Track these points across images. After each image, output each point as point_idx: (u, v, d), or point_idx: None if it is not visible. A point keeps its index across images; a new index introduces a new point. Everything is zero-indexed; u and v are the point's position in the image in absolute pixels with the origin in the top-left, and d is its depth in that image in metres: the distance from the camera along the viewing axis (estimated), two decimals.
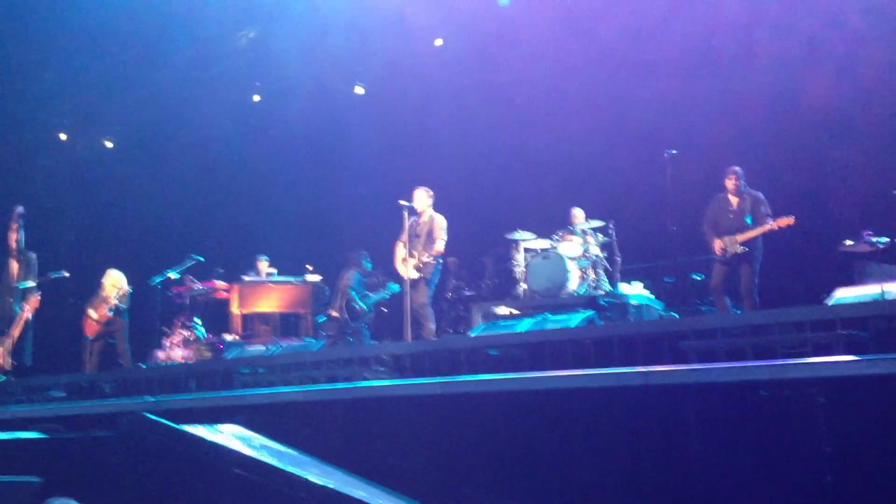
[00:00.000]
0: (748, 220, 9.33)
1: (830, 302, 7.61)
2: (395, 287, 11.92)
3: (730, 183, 9.48)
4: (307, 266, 12.50)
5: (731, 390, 5.60)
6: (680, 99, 12.08)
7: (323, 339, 11.80)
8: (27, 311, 11.33)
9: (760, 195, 9.47)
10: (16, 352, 11.40)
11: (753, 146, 11.30)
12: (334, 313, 11.85)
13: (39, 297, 11.44)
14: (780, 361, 5.97)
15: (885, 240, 8.84)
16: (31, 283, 11.57)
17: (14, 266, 11.61)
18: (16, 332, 11.31)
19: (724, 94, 11.88)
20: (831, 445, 5.04)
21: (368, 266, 12.42)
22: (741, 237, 9.26)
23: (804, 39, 11.33)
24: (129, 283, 12.12)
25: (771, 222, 9.16)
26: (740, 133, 11.51)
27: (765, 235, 9.31)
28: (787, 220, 9.10)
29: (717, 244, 9.39)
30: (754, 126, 11.57)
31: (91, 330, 11.91)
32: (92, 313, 11.87)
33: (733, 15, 11.93)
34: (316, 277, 12.90)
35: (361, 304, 11.79)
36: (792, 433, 5.25)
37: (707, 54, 12.15)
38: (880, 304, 6.82)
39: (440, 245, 10.07)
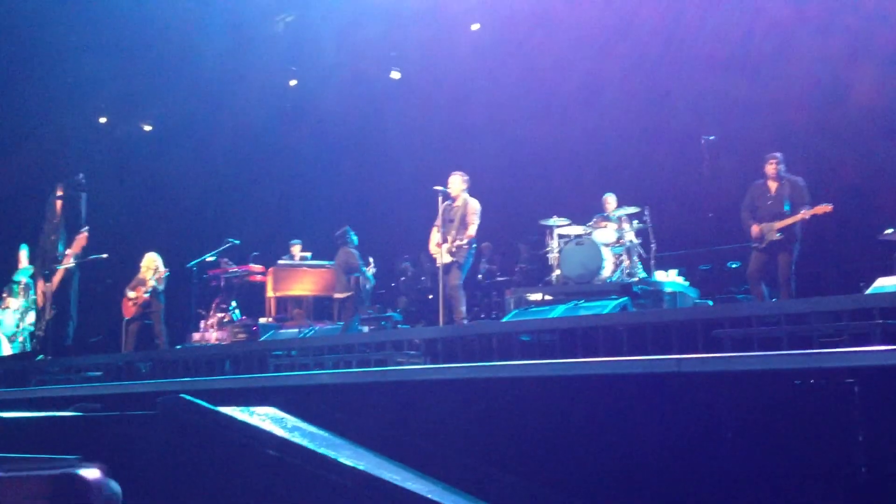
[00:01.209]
0: (787, 207, 9.20)
1: (870, 291, 7.50)
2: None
3: (770, 168, 9.33)
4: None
5: (765, 379, 5.55)
6: (720, 87, 11.94)
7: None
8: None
9: (801, 181, 9.30)
10: (58, 331, 11.64)
11: (793, 136, 11.15)
12: (339, 295, 11.81)
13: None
14: (816, 350, 5.90)
15: None
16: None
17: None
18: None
19: (765, 84, 11.73)
20: (866, 435, 4.97)
21: (355, 241, 12.27)
22: (779, 224, 9.12)
23: (848, 33, 11.13)
24: (167, 265, 12.28)
25: (808, 210, 9.03)
26: (780, 123, 11.36)
27: (804, 223, 9.16)
28: (824, 208, 8.95)
29: (755, 230, 9.27)
30: (795, 116, 11.41)
31: (128, 311, 12.09)
32: (130, 294, 12.04)
33: (776, 7, 11.75)
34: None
35: (370, 277, 11.78)
36: (826, 423, 5.19)
37: (749, 45, 11.99)
38: None
39: (472, 229, 10.06)
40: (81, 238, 11.70)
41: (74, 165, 15.18)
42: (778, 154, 9.39)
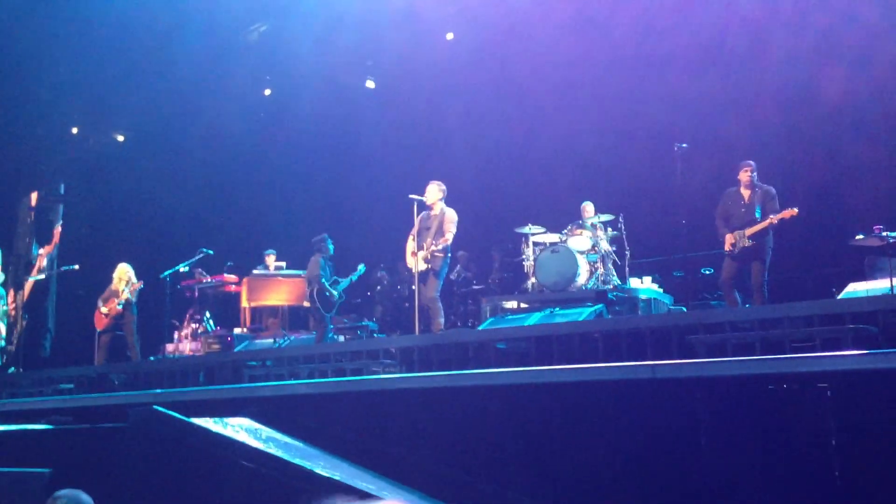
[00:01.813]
0: (758, 214, 9.28)
1: (841, 296, 7.57)
2: (362, 268, 11.95)
3: (744, 176, 9.40)
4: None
5: (739, 384, 5.59)
6: (691, 94, 12.02)
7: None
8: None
9: (772, 190, 9.39)
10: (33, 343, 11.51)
11: (765, 142, 11.25)
12: (306, 304, 11.70)
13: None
14: (789, 356, 5.94)
15: None
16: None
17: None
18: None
19: (736, 89, 11.82)
20: (839, 439, 5.01)
21: (331, 250, 12.15)
22: (749, 231, 9.20)
23: (818, 34, 11.24)
24: (140, 276, 12.17)
25: (775, 215, 9.09)
26: (752, 128, 11.45)
27: (776, 231, 9.24)
28: (790, 212, 9.01)
29: (728, 239, 9.33)
30: (766, 121, 11.51)
31: (101, 323, 11.97)
32: (102, 307, 11.92)
33: (747, 10, 11.85)
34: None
35: (332, 290, 11.60)
36: (800, 427, 5.23)
37: (719, 50, 12.08)
38: (888, 298, 6.79)
39: (449, 237, 10.05)
40: (55, 234, 11.54)
41: (47, 175, 15.06)
42: (751, 162, 9.48)
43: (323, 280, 11.45)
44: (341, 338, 11.45)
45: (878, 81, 10.89)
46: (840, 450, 5.05)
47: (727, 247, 9.33)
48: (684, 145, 10.15)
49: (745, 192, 9.41)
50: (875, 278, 8.31)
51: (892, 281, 7.32)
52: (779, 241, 9.42)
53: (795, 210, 8.99)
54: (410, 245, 10.15)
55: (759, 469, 5.37)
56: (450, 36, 14.17)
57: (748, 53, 11.88)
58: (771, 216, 9.10)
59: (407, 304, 12.64)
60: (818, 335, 6.42)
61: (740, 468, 5.42)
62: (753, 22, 11.83)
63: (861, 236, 8.99)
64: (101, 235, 15.83)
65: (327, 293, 11.45)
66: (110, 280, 12.12)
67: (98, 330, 12.00)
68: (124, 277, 11.98)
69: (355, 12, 13.89)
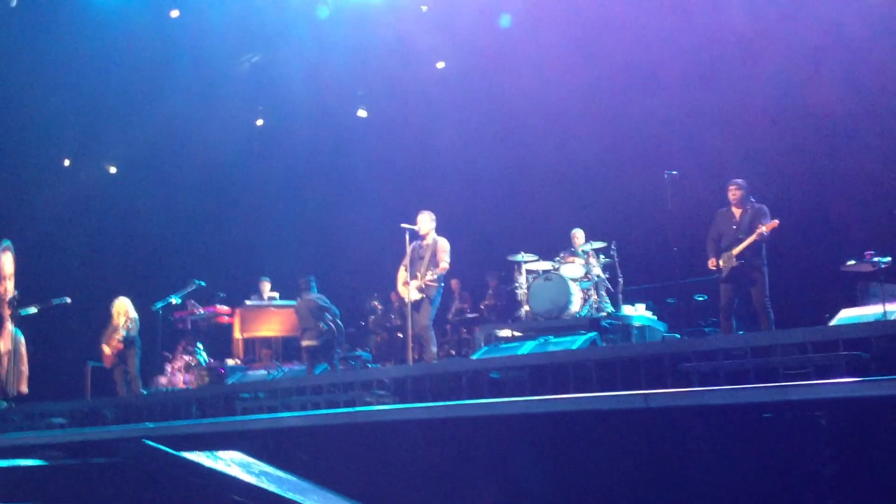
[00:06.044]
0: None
1: (834, 322, 7.56)
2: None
3: (732, 194, 9.34)
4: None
5: (732, 413, 5.56)
6: (681, 119, 12.09)
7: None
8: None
9: (764, 208, 9.25)
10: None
11: (756, 166, 11.27)
12: (309, 343, 11.65)
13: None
14: (782, 384, 5.92)
15: (888, 259, 8.78)
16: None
17: None
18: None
19: (726, 114, 11.88)
20: (833, 468, 4.98)
21: (315, 290, 12.19)
22: (736, 250, 9.09)
23: (807, 54, 11.28)
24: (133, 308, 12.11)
25: (760, 227, 8.98)
26: (743, 153, 11.48)
27: (768, 251, 9.16)
28: (771, 225, 8.92)
29: (712, 264, 9.25)
30: (757, 146, 11.55)
31: (108, 361, 11.90)
32: (105, 348, 11.84)
33: (735, 34, 11.92)
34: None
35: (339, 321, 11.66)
36: (794, 455, 5.20)
37: (708, 73, 12.15)
38: (881, 324, 6.78)
39: (444, 265, 10.04)
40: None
41: (37, 208, 15.03)
42: (739, 180, 9.37)
43: (334, 309, 11.55)
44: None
45: (868, 98, 10.91)
46: (834, 478, 5.02)
47: (711, 266, 9.24)
48: (674, 172, 10.16)
49: (736, 211, 9.30)
50: (868, 304, 8.31)
51: (884, 306, 7.32)
52: (770, 267, 9.36)
53: (776, 222, 8.89)
54: (402, 275, 10.14)
55: (753, 499, 5.33)
56: (441, 65, 14.27)
57: (739, 75, 11.95)
58: (758, 231, 8.97)
59: (400, 335, 12.62)
60: (811, 362, 6.42)
61: (734, 497, 5.39)
62: (742, 44, 11.90)
63: (853, 262, 9.00)
64: (92, 268, 15.78)
65: (338, 321, 11.59)
66: (104, 312, 12.05)
67: (108, 367, 11.93)
68: (122, 312, 11.90)
69: (346, 42, 13.99)
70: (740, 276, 9.04)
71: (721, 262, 9.15)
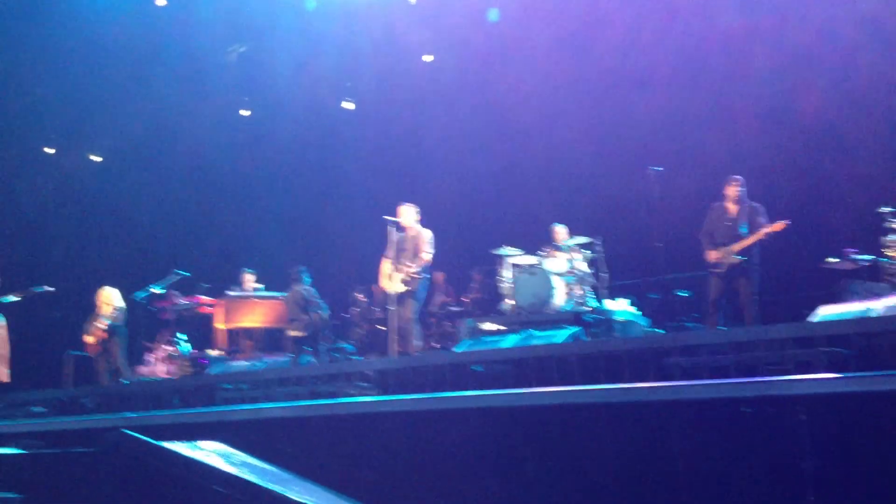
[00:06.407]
0: (744, 230, 9.21)
1: (814, 319, 7.60)
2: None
3: (731, 191, 9.31)
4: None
5: (714, 407, 5.59)
6: (668, 115, 12.10)
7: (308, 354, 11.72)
8: None
9: (761, 207, 9.28)
10: None
11: (740, 163, 11.29)
12: (296, 333, 11.62)
13: None
14: (763, 378, 5.96)
15: (869, 257, 8.84)
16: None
17: None
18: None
19: (712, 110, 11.90)
20: (813, 463, 5.02)
21: (307, 281, 12.22)
22: (736, 247, 9.12)
23: (797, 54, 11.31)
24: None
25: (765, 227, 9.03)
26: (729, 149, 11.50)
27: (761, 249, 9.19)
28: (779, 225, 8.96)
29: (713, 256, 9.27)
30: (743, 142, 11.57)
31: (93, 350, 11.82)
32: (87, 337, 11.76)
33: (724, 32, 11.94)
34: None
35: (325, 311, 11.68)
36: (774, 450, 5.23)
37: (696, 71, 12.17)
38: (862, 321, 6.83)
39: (426, 257, 10.05)
40: None
41: (20, 197, 14.93)
42: (739, 177, 9.41)
43: (320, 301, 11.56)
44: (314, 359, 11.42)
45: (856, 100, 10.94)
46: (814, 472, 5.05)
47: (712, 259, 9.24)
48: (659, 168, 10.19)
49: (732, 208, 9.33)
50: (847, 301, 8.35)
51: (864, 304, 7.36)
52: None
53: (784, 223, 8.93)
54: (387, 267, 10.13)
55: (733, 493, 5.36)
56: (428, 58, 14.24)
57: (726, 73, 11.98)
58: (764, 229, 9.02)
59: (383, 327, 12.61)
60: (792, 358, 6.46)
61: (715, 491, 5.42)
62: (731, 43, 11.91)
63: (834, 259, 9.05)
64: (75, 256, 15.69)
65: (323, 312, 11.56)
66: (87, 301, 11.97)
67: (91, 356, 11.85)
68: (107, 301, 11.83)
69: (334, 34, 13.95)
70: (736, 272, 9.10)
71: (720, 256, 9.19)
